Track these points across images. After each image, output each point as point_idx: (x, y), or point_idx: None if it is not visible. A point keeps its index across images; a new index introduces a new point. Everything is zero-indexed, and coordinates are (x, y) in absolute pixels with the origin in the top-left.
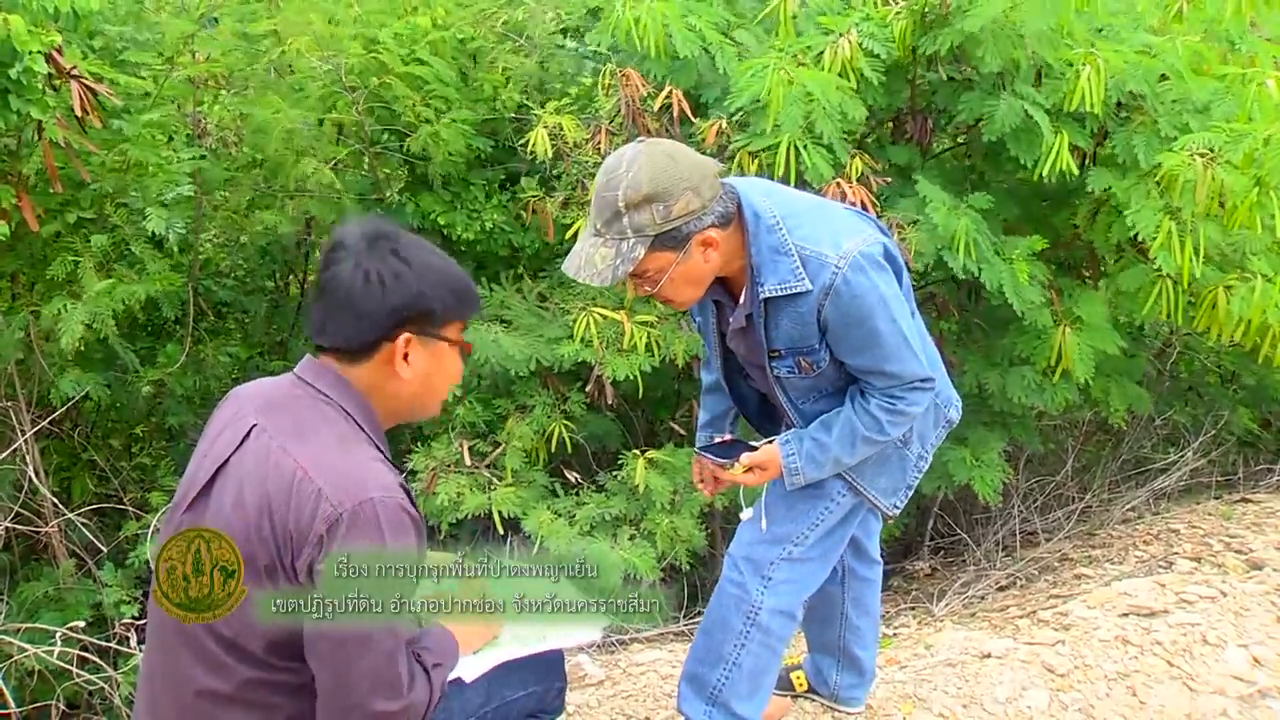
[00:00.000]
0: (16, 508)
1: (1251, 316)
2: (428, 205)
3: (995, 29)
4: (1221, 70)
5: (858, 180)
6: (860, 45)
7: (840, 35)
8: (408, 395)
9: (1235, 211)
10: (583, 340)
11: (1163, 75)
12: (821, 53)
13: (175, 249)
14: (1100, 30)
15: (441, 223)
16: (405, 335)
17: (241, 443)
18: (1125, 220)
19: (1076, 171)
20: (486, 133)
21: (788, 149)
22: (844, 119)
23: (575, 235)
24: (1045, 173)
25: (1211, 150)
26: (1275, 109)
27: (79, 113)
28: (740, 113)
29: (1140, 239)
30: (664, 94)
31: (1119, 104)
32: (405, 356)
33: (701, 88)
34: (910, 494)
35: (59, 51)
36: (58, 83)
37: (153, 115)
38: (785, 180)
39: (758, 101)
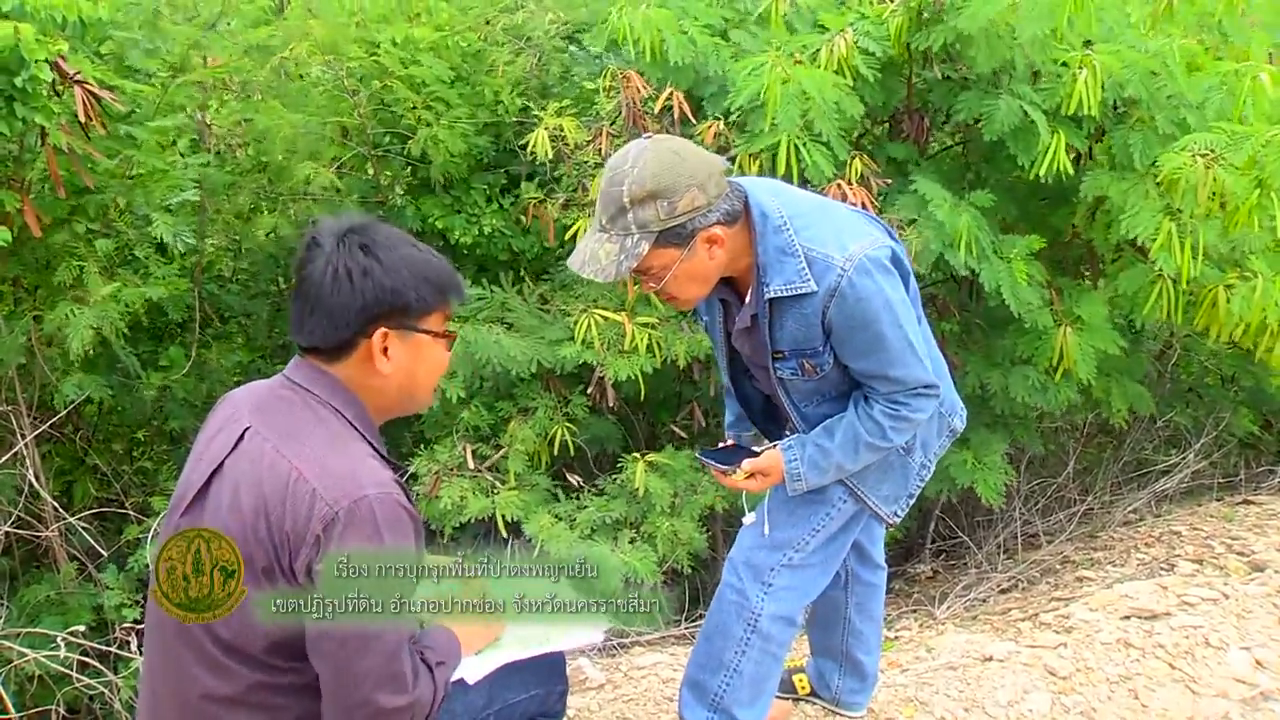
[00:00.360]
0: (17, 512)
1: (1252, 317)
2: (428, 209)
3: (990, 30)
4: (1216, 68)
5: (858, 181)
6: (855, 44)
7: (836, 34)
8: (393, 390)
9: (1236, 213)
10: (584, 342)
11: (1153, 71)
12: (817, 51)
13: (179, 253)
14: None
15: (440, 226)
16: (381, 330)
17: (236, 445)
18: (1121, 223)
19: (1072, 172)
20: (489, 136)
21: (788, 148)
22: (841, 116)
23: (575, 237)
24: (1041, 174)
25: (1212, 151)
26: (1271, 104)
27: (82, 119)
28: (739, 113)
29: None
30: (665, 95)
31: (1114, 104)
32: (385, 351)
33: (699, 85)
34: (912, 503)
35: (63, 58)
36: (61, 88)
37: (160, 121)
38: (788, 179)
39: (756, 100)
